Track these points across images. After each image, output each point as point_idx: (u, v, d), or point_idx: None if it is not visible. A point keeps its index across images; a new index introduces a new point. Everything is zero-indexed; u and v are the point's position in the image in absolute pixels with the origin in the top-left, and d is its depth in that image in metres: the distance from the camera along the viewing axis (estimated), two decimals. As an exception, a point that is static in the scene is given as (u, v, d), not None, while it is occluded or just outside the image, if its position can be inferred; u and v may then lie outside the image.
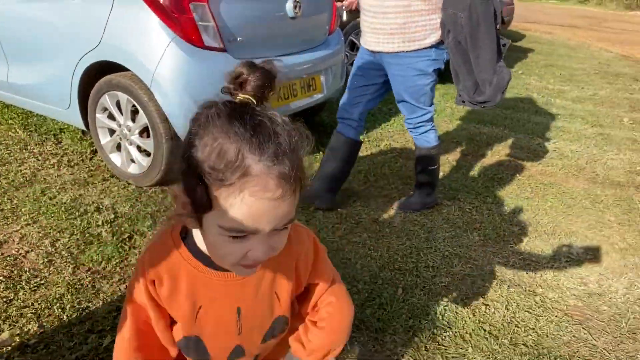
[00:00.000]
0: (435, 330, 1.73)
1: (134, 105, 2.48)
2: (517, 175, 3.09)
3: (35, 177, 2.63)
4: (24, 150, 2.95)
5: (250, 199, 0.62)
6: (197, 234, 0.79)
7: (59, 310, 1.69)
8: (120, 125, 2.61)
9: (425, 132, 2.37)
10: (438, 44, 2.15)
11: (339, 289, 0.97)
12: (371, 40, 2.20)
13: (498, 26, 2.01)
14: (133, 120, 2.55)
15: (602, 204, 2.77)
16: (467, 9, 1.97)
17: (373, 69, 2.31)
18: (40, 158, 2.87)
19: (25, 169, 2.72)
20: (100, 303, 1.75)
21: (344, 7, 2.51)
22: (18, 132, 3.20)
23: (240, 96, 0.68)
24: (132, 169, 2.65)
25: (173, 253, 0.81)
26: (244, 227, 0.65)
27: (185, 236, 0.82)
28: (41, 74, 2.81)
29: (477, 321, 1.79)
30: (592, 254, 2.27)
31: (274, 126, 0.64)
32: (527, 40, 8.87)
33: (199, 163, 0.64)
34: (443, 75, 2.47)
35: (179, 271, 0.80)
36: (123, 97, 2.50)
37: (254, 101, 0.67)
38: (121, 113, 2.58)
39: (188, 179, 0.66)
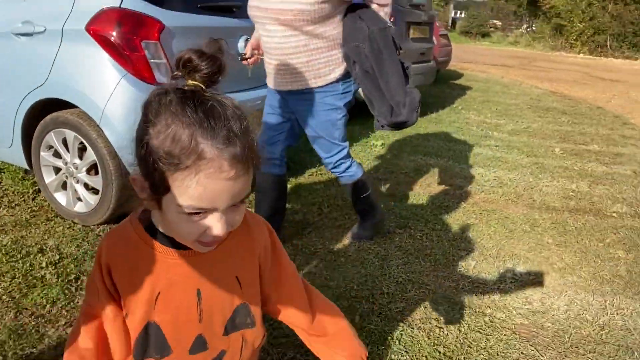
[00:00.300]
0: (392, 355, 1.76)
1: (81, 143, 2.43)
2: (462, 203, 3.25)
3: (-29, 220, 2.49)
4: (-42, 192, 2.79)
5: (206, 180, 0.66)
6: (155, 216, 0.81)
7: (1, 357, 1.59)
8: (66, 163, 2.54)
9: (347, 168, 2.36)
10: (344, 77, 2.17)
11: (323, 300, 0.99)
12: (278, 80, 2.20)
13: (398, 52, 2.11)
14: (80, 157, 2.50)
15: (540, 227, 2.95)
16: (367, 39, 2.04)
17: (284, 107, 2.29)
18: (-23, 199, 2.72)
19: (-39, 211, 2.58)
20: (46, 348, 1.65)
21: (249, 66, 2.42)
22: (-48, 173, 3.03)
23: (190, 82, 0.70)
24: (79, 208, 2.56)
25: (130, 235, 0.81)
26: (201, 206, 0.68)
27: (145, 219, 0.83)
28: (-19, 112, 2.70)
29: (432, 344, 1.84)
30: (534, 275, 2.40)
31: (224, 110, 0.68)
32: (464, 78, 9.46)
33: (154, 149, 0.67)
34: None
35: (137, 253, 0.80)
36: (70, 134, 2.44)
37: (204, 87, 0.70)
38: (67, 150, 2.52)
39: (145, 165, 0.69)
